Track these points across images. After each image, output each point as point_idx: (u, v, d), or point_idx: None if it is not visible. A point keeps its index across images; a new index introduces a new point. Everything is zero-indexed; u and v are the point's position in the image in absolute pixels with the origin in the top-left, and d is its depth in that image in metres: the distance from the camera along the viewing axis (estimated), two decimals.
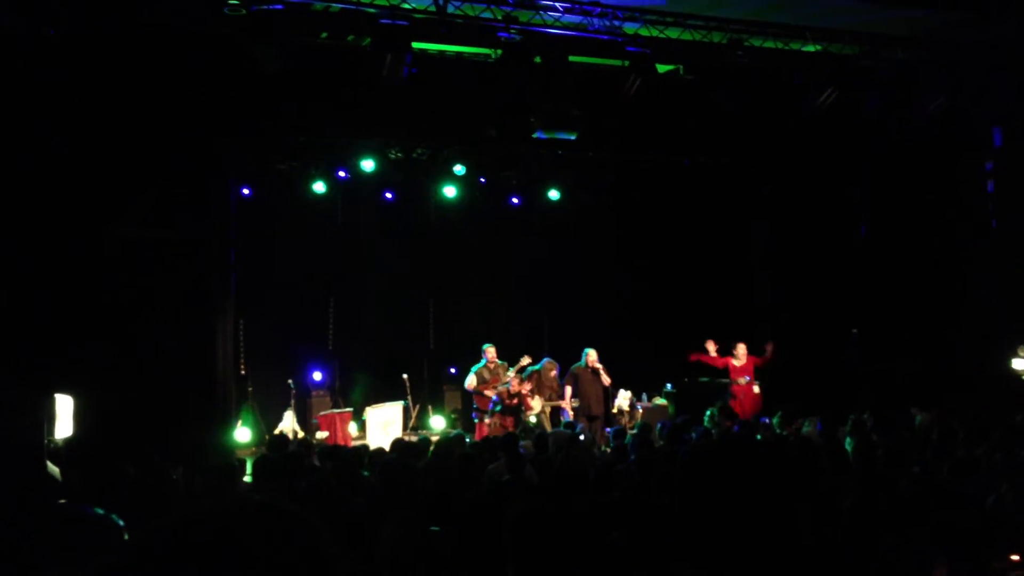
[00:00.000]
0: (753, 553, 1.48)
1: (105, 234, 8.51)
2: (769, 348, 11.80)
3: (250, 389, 12.08)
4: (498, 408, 11.07)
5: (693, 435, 8.04)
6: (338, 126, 10.87)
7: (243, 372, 12.07)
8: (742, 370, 11.84)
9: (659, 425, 9.35)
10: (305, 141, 11.42)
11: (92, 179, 8.58)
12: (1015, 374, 11.22)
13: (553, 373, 11.81)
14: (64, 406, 7.55)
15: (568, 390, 11.55)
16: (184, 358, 8.81)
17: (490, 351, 11.55)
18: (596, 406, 11.44)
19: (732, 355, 11.97)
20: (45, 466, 2.44)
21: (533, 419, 11.22)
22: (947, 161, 12.15)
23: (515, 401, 11.15)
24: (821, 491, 5.27)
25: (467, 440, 8.42)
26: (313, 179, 12.35)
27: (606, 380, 11.43)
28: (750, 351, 11.97)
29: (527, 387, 11.35)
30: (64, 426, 7.44)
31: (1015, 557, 4.28)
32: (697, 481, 1.55)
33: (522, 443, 8.03)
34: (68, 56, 8.30)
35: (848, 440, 7.73)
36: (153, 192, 8.73)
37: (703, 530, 1.51)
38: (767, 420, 9.50)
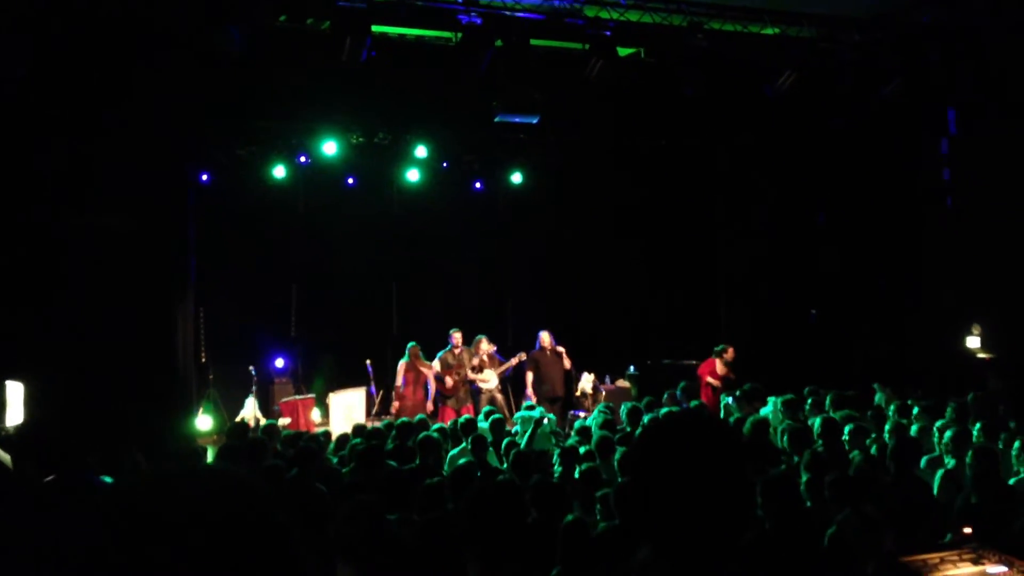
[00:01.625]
0: (710, 528, 1.49)
1: (60, 220, 8.35)
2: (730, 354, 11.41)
3: (211, 377, 11.95)
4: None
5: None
6: (298, 111, 10.76)
7: (203, 360, 11.94)
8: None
9: (623, 407, 9.41)
10: (265, 126, 11.29)
11: (46, 164, 8.41)
12: (969, 352, 11.46)
13: (484, 347, 11.63)
14: (14, 393, 7.40)
15: (529, 376, 11.56)
16: (143, 346, 8.69)
17: (455, 336, 11.52)
18: (557, 388, 11.49)
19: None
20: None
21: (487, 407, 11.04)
22: (904, 144, 12.32)
23: (453, 387, 11.17)
24: (778, 469, 5.36)
25: (430, 425, 8.41)
26: (273, 164, 12.21)
27: (567, 363, 11.47)
28: (712, 343, 11.65)
29: (475, 363, 11.32)
30: (14, 413, 7.29)
31: (967, 530, 4.38)
32: (655, 453, 1.55)
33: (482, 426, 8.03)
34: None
35: (809, 419, 7.87)
36: (109, 178, 8.57)
37: (661, 505, 1.52)
38: (729, 400, 9.58)
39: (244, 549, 0.92)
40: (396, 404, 11.49)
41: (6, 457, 2.49)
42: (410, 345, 11.66)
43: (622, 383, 12.70)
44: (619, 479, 5.28)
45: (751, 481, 1.56)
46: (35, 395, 7.50)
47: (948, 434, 6.10)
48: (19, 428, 7.09)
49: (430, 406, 11.30)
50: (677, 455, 1.52)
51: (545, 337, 11.53)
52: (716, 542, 1.48)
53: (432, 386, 11.37)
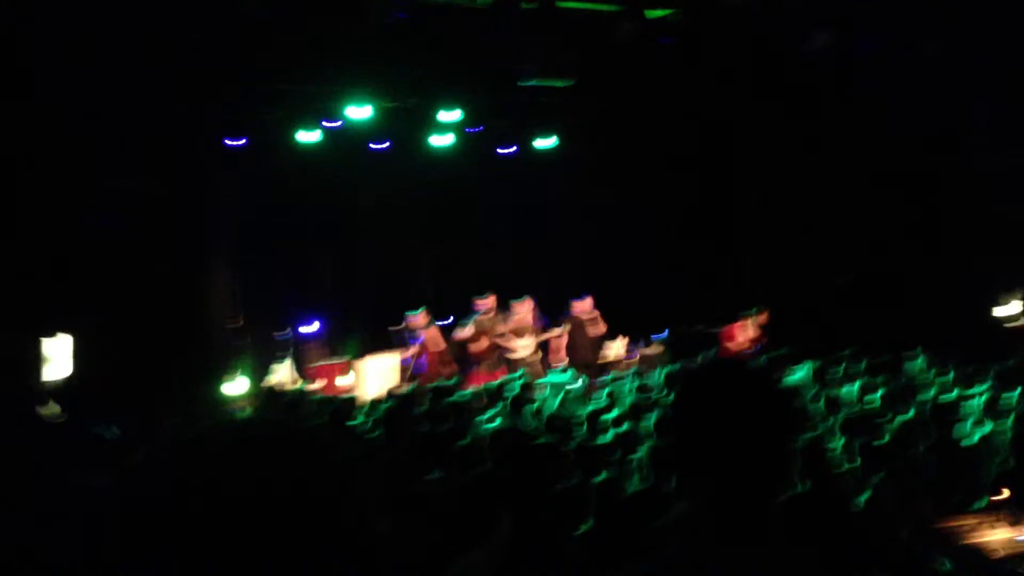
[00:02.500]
0: (746, 484, 1.48)
1: (99, 183, 8.45)
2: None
3: (246, 341, 12.07)
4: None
5: None
6: (328, 74, 10.72)
7: (239, 324, 12.06)
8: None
9: (656, 372, 9.40)
10: (295, 90, 11.26)
11: (84, 129, 8.49)
12: (999, 321, 11.30)
13: (524, 311, 11.63)
14: (63, 347, 7.52)
15: (563, 341, 11.56)
16: (178, 307, 8.81)
17: (487, 301, 11.54)
18: (588, 354, 11.50)
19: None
20: (39, 404, 2.46)
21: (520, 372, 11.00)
22: (947, 107, 12.02)
23: (485, 352, 11.20)
24: (812, 433, 5.32)
25: (463, 388, 8.47)
26: (303, 129, 12.20)
27: (601, 328, 11.45)
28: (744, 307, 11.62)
29: (511, 326, 11.32)
30: (61, 367, 7.42)
31: (1005, 492, 4.35)
32: (692, 402, 1.54)
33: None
34: (55, 6, 8.16)
35: (843, 384, 7.81)
36: (143, 142, 8.65)
37: (700, 456, 1.50)
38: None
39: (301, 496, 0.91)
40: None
41: (56, 408, 2.54)
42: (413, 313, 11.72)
43: (654, 348, 12.65)
44: (651, 441, 5.28)
45: (791, 433, 1.54)
46: (82, 349, 7.62)
47: (986, 398, 6.03)
48: (65, 380, 7.22)
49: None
50: (718, 402, 1.51)
51: (578, 305, 11.52)
52: (755, 494, 1.46)
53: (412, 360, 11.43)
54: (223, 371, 10.25)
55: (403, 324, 11.54)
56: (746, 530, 1.47)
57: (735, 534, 1.46)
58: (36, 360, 6.87)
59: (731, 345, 11.32)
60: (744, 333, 11.17)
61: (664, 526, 2.83)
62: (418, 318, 11.55)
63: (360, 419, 7.72)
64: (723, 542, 1.45)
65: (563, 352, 11.53)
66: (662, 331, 12.67)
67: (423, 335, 11.40)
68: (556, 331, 11.48)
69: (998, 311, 11.33)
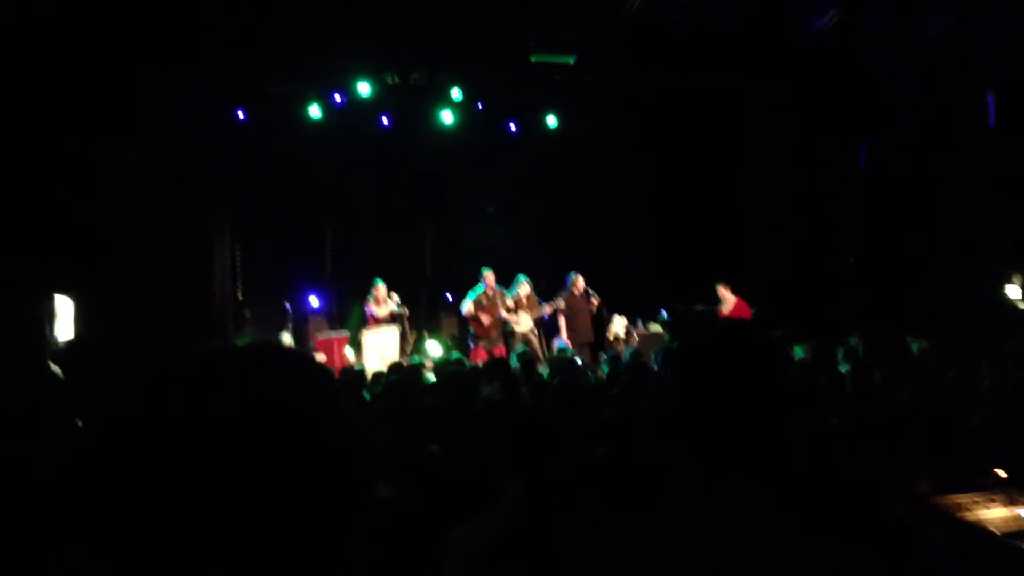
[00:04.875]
0: (748, 453, 1.49)
1: (102, 149, 8.44)
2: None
3: (247, 314, 12.11)
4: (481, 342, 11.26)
5: None
6: (334, 47, 10.69)
7: (241, 297, 12.10)
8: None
9: (654, 352, 9.43)
10: (300, 63, 11.23)
11: (87, 95, 8.47)
12: (1008, 302, 11.29)
13: (524, 289, 11.70)
14: (64, 308, 7.56)
15: (562, 319, 11.59)
16: (182, 280, 8.83)
17: (489, 276, 11.56)
18: (587, 333, 11.55)
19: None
20: (47, 365, 2.47)
21: (521, 347, 11.10)
22: (948, 88, 11.98)
23: (487, 328, 11.26)
24: (813, 409, 5.36)
25: (465, 364, 8.49)
26: (309, 103, 12.20)
27: (595, 301, 11.51)
28: (744, 288, 11.65)
29: (508, 303, 11.41)
30: (64, 328, 7.47)
31: (1001, 472, 4.38)
32: (694, 366, 1.55)
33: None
34: None
35: (842, 364, 7.83)
36: (148, 111, 8.63)
37: (698, 421, 1.51)
38: None
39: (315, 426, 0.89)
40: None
41: (58, 370, 2.56)
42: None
43: (654, 328, 12.68)
44: (651, 415, 5.31)
45: (791, 391, 1.55)
46: (83, 312, 7.66)
47: (986, 382, 6.06)
48: (69, 342, 7.26)
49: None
50: (721, 362, 1.52)
51: (580, 279, 11.57)
52: (757, 449, 1.48)
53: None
54: (224, 341, 10.27)
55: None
56: (741, 493, 1.48)
57: (729, 497, 1.48)
58: (49, 318, 6.93)
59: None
60: (743, 311, 11.19)
61: (664, 489, 2.87)
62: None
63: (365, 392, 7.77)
64: (715, 499, 1.47)
65: (565, 331, 11.57)
66: (660, 312, 12.70)
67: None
68: (548, 308, 11.51)
69: (1008, 292, 11.33)
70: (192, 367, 0.90)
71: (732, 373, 1.49)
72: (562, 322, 11.59)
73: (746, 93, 12.96)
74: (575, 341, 11.37)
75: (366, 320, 11.86)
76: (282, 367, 0.93)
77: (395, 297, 11.84)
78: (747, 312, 11.22)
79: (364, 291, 12.71)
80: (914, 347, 9.32)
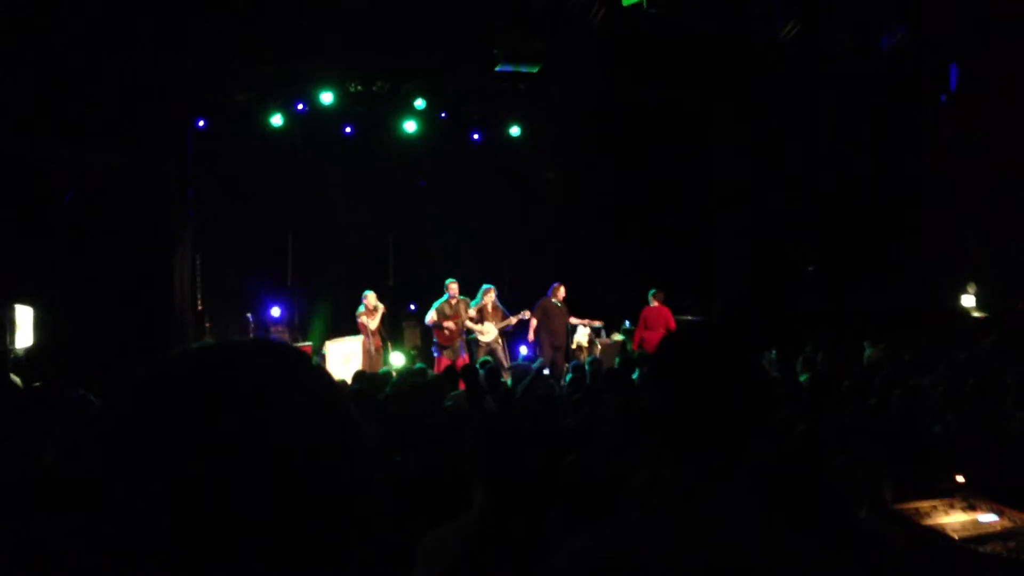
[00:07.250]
0: (728, 454, 1.48)
1: (60, 155, 8.29)
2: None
3: (207, 325, 11.94)
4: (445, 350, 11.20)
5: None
6: (296, 55, 10.61)
7: (200, 307, 11.92)
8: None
9: (616, 360, 9.46)
10: (263, 71, 11.13)
11: (45, 101, 8.32)
12: (963, 311, 11.51)
13: (490, 298, 11.69)
14: (23, 316, 7.42)
15: (534, 321, 11.59)
16: (141, 288, 8.69)
17: (452, 286, 11.52)
18: (562, 339, 11.67)
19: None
20: (6, 373, 2.41)
21: (484, 357, 11.01)
22: (905, 97, 12.21)
23: (450, 337, 11.22)
24: (775, 419, 5.40)
25: (428, 373, 8.45)
26: (271, 112, 12.09)
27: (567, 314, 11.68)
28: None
29: (471, 314, 11.38)
30: (23, 336, 7.33)
31: (960, 478, 4.44)
32: (677, 368, 1.55)
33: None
34: None
35: (801, 374, 7.92)
36: (108, 118, 8.50)
37: (679, 422, 1.51)
38: None
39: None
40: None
41: (16, 379, 2.50)
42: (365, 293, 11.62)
43: (617, 337, 12.74)
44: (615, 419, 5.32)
45: (766, 385, 1.56)
46: (43, 319, 7.53)
47: (941, 388, 6.16)
48: (28, 351, 7.12)
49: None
50: (697, 358, 1.53)
51: (559, 289, 11.68)
52: (737, 450, 1.48)
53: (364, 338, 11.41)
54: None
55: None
56: (709, 495, 1.48)
57: (699, 498, 1.47)
58: (10, 325, 6.79)
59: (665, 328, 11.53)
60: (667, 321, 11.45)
61: (631, 493, 2.86)
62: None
63: None
64: (695, 499, 1.47)
65: (532, 332, 11.61)
66: (623, 323, 12.77)
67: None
68: (513, 319, 11.54)
69: (964, 301, 11.55)
70: (192, 367, 0.87)
71: (714, 375, 1.50)
72: (533, 323, 11.60)
73: (710, 103, 13.09)
74: (551, 342, 11.44)
75: (359, 332, 11.68)
76: (288, 364, 0.90)
77: (380, 306, 11.62)
78: (672, 323, 11.39)
79: (326, 301, 12.62)
80: (868, 352, 9.47)
